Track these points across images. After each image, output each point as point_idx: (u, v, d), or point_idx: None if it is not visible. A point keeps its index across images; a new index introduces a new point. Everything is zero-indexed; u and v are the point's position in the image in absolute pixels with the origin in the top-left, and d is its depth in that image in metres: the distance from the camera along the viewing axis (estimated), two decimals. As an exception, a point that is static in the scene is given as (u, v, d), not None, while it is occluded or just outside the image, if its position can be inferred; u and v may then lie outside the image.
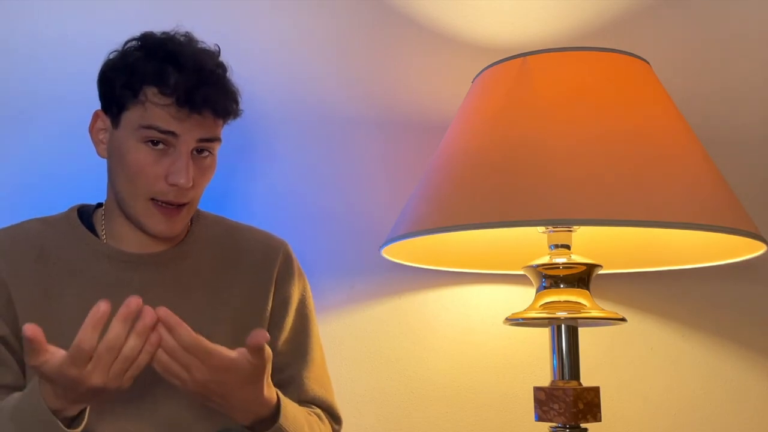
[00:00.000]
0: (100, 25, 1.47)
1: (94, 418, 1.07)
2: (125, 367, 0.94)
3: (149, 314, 0.93)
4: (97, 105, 1.17)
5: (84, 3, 1.48)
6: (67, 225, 1.20)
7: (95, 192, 1.28)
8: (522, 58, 1.24)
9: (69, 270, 1.16)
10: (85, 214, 1.23)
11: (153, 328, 0.94)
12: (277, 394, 1.08)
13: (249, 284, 1.23)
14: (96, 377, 0.92)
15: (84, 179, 1.40)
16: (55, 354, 0.92)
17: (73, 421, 0.99)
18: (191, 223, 1.25)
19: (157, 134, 1.10)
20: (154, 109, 1.09)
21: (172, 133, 1.10)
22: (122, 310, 0.92)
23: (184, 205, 1.14)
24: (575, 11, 1.59)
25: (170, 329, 0.94)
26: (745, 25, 1.61)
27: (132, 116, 1.11)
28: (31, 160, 1.45)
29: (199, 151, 1.14)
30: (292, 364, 1.23)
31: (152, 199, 1.12)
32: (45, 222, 1.21)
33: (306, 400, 1.22)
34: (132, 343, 0.93)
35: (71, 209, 1.23)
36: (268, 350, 0.99)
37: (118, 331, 0.92)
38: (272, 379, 1.20)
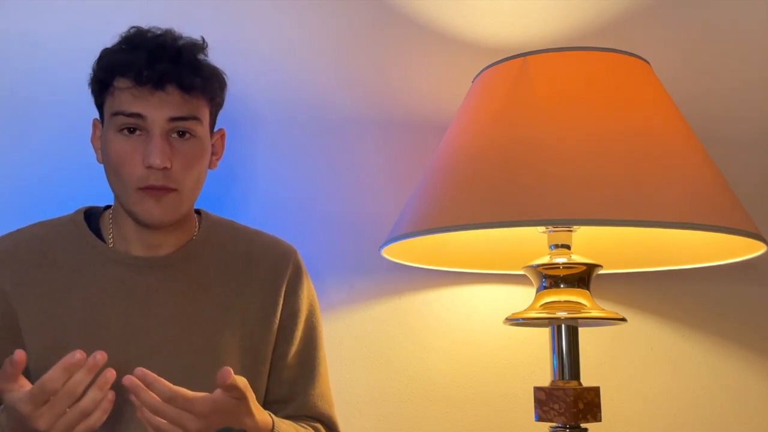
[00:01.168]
0: (101, 24, 1.46)
1: None
2: (76, 420, 0.94)
3: (110, 371, 0.95)
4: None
5: (85, 3, 1.48)
6: (73, 228, 1.19)
7: (96, 192, 1.28)
8: (522, 58, 1.24)
9: (75, 274, 1.15)
10: (93, 217, 1.21)
11: (110, 384, 0.95)
12: (271, 416, 1.09)
13: (258, 292, 1.22)
14: (44, 421, 0.93)
15: (85, 180, 1.40)
16: (22, 387, 0.94)
17: None
18: (198, 226, 1.24)
19: (125, 119, 1.10)
20: (119, 95, 1.10)
21: (139, 116, 1.09)
22: (90, 361, 0.93)
23: (172, 189, 1.11)
24: (575, 11, 1.59)
25: (148, 385, 0.95)
26: (745, 25, 1.61)
27: (107, 109, 1.12)
28: (31, 161, 1.44)
29: (181, 134, 1.12)
30: (299, 380, 1.24)
31: (140, 189, 1.10)
32: (51, 225, 1.20)
33: (309, 415, 1.23)
34: (91, 394, 0.94)
35: (78, 211, 1.21)
36: (242, 380, 1.00)
37: (81, 378, 0.93)
38: (280, 393, 1.23)
